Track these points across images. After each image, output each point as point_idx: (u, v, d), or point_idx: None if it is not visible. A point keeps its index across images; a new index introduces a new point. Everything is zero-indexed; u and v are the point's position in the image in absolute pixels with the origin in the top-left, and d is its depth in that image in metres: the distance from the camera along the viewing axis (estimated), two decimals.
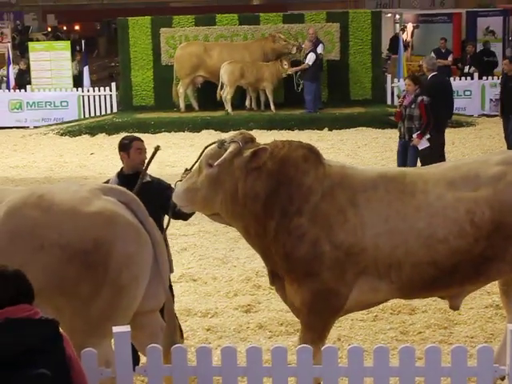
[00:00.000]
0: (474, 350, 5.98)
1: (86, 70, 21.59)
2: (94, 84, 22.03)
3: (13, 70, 21.80)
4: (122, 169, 6.48)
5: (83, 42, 23.37)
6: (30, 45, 22.99)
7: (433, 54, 19.50)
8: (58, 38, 33.51)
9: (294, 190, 5.43)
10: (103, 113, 20.63)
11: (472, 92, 20.06)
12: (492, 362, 4.59)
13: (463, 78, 20.48)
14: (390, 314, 7.58)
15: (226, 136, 5.92)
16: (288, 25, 20.18)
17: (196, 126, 18.73)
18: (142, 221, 5.18)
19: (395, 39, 24.79)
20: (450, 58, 21.55)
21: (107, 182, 6.39)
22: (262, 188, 5.46)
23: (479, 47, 22.82)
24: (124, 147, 6.40)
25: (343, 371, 4.64)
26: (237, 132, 5.78)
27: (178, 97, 19.73)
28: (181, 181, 5.79)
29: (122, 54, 20.85)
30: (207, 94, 19.80)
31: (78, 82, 21.27)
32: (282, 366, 4.61)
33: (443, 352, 4.80)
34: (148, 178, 6.33)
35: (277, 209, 5.43)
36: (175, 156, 15.93)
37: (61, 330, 3.79)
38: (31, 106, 20.54)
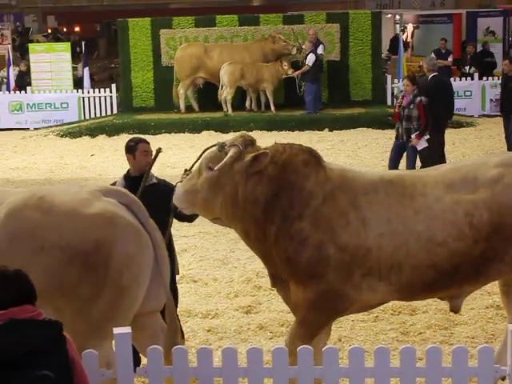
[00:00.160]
0: (474, 351, 5.98)
1: (86, 71, 21.63)
2: (94, 85, 22.05)
3: (13, 72, 21.82)
4: (128, 171, 6.50)
5: (83, 43, 23.40)
6: (30, 46, 23.02)
7: (433, 55, 19.51)
8: (58, 40, 33.50)
9: (294, 195, 5.44)
10: (103, 114, 20.64)
11: (472, 92, 20.06)
12: (493, 362, 4.60)
13: (463, 78, 20.49)
14: (390, 315, 7.58)
15: (226, 137, 5.92)
16: (288, 26, 20.18)
17: (196, 127, 18.73)
18: (143, 222, 5.18)
19: (395, 40, 24.78)
20: (450, 59, 21.56)
21: (114, 183, 6.41)
22: (263, 192, 5.47)
23: (479, 48, 22.83)
24: (130, 149, 6.41)
25: (344, 372, 4.64)
26: (237, 135, 5.78)
27: (178, 98, 19.74)
28: (181, 182, 5.80)
29: (122, 56, 20.86)
30: (207, 95, 19.81)
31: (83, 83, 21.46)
32: (282, 366, 4.61)
33: (444, 352, 4.80)
34: (154, 180, 6.36)
35: (277, 213, 5.44)
36: (175, 157, 15.93)
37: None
38: (31, 108, 20.55)
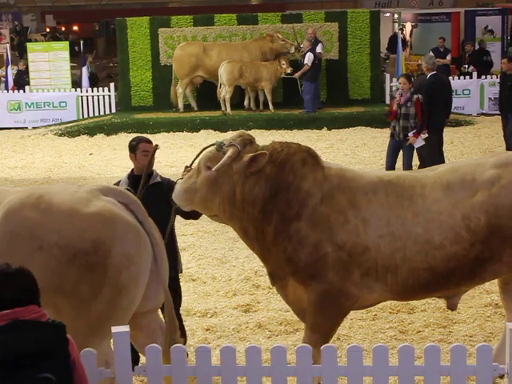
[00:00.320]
0: (473, 349, 6.01)
1: (84, 70, 21.61)
2: (97, 84, 22.05)
3: (11, 71, 21.80)
4: (132, 170, 6.52)
5: (82, 42, 23.38)
6: (29, 45, 22.98)
7: (431, 53, 19.49)
8: (56, 39, 33.43)
9: (292, 195, 5.45)
10: (102, 113, 20.63)
11: (471, 91, 20.06)
12: (491, 360, 4.60)
13: (462, 77, 20.49)
14: (389, 313, 7.58)
15: (224, 136, 5.92)
16: (287, 25, 20.17)
17: (195, 126, 18.73)
18: (142, 221, 5.19)
19: (394, 39, 24.78)
20: (448, 57, 21.55)
21: (118, 182, 6.42)
22: (260, 192, 5.48)
23: (478, 46, 22.81)
24: (132, 149, 6.46)
25: (342, 370, 4.65)
26: (235, 134, 5.77)
27: (177, 97, 19.72)
28: (182, 179, 5.81)
29: (120, 55, 20.84)
30: (206, 94, 19.81)
31: (90, 82, 21.48)
32: (281, 365, 4.62)
33: (442, 351, 4.81)
34: (158, 179, 6.39)
35: (275, 213, 5.45)
36: (174, 156, 15.93)
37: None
38: (30, 107, 20.53)
